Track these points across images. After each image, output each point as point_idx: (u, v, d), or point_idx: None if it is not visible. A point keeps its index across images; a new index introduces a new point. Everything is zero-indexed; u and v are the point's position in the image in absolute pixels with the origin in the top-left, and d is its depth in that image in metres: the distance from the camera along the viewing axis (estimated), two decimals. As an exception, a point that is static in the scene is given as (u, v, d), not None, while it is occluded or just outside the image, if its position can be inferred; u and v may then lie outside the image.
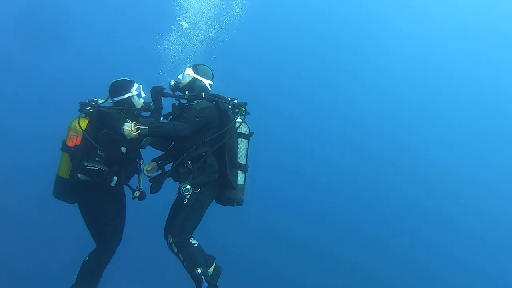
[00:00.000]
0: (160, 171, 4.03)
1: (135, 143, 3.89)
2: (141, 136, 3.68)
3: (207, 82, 4.13)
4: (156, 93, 4.04)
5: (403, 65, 12.10)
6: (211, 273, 3.85)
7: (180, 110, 3.99)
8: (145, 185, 4.09)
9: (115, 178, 3.89)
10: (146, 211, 4.44)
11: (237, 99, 4.11)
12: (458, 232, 10.04)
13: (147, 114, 4.18)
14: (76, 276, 4.09)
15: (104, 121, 3.89)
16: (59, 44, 10.96)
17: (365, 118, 11.39)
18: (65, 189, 3.94)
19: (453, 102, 11.98)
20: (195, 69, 4.09)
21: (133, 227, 4.42)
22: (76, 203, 4.06)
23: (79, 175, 3.73)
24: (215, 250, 4.14)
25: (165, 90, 4.05)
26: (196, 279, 3.64)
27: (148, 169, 3.95)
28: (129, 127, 3.64)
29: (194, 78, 4.06)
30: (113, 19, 11.46)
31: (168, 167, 4.04)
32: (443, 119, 11.83)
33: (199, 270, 3.63)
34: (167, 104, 4.19)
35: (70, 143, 3.88)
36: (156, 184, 3.91)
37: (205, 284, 3.62)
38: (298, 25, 12.03)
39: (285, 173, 10.33)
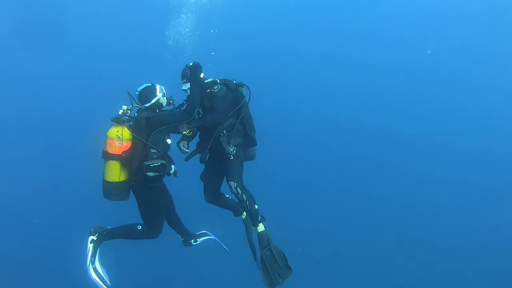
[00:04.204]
0: (189, 151, 4.83)
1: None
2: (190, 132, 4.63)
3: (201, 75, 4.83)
4: (197, 69, 4.67)
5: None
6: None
7: (207, 100, 4.74)
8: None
9: (173, 166, 4.52)
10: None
11: (234, 80, 4.97)
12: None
13: (169, 107, 4.72)
14: (110, 226, 4.57)
15: (153, 123, 4.38)
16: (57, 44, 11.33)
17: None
18: (121, 190, 4.37)
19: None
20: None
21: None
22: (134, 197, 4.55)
23: (148, 174, 4.25)
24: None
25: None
26: (254, 214, 4.63)
27: (185, 145, 4.75)
28: (183, 129, 4.52)
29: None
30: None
31: (192, 144, 4.93)
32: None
33: (256, 206, 4.66)
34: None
35: (115, 151, 4.25)
36: (203, 155, 4.79)
37: (259, 217, 4.66)
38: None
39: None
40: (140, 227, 4.58)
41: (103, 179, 4.38)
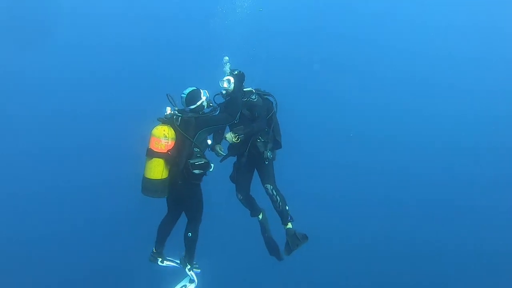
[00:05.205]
0: (224, 154, 5.21)
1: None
2: (238, 139, 4.95)
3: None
4: (242, 78, 5.10)
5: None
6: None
7: (246, 108, 5.12)
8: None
9: (212, 165, 4.74)
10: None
11: (261, 89, 5.38)
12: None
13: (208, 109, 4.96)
14: (184, 252, 5.02)
15: (200, 123, 4.65)
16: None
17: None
18: (162, 187, 4.54)
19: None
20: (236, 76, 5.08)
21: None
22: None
23: (195, 171, 4.53)
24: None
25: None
26: (286, 214, 5.14)
27: (221, 149, 5.20)
28: (230, 137, 4.89)
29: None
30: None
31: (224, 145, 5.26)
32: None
33: (287, 207, 5.12)
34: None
35: (161, 149, 4.45)
36: (243, 158, 5.20)
37: (289, 217, 5.14)
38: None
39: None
40: (191, 234, 4.93)
41: (144, 176, 4.52)
